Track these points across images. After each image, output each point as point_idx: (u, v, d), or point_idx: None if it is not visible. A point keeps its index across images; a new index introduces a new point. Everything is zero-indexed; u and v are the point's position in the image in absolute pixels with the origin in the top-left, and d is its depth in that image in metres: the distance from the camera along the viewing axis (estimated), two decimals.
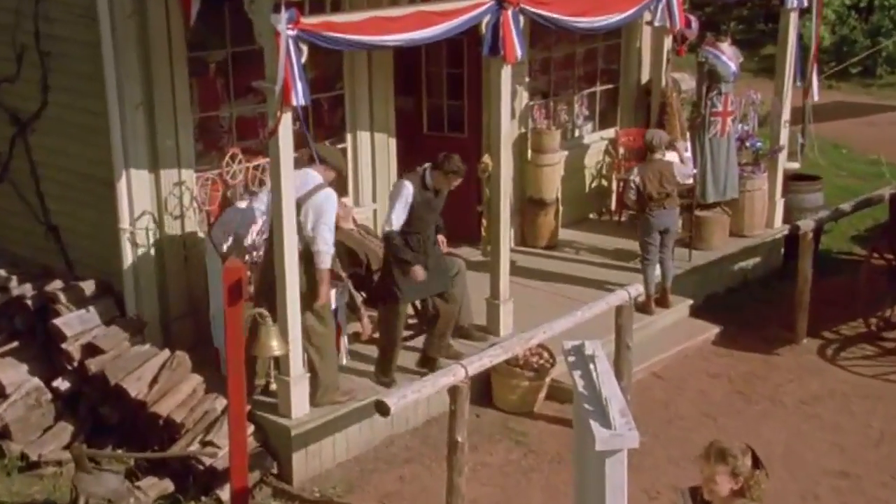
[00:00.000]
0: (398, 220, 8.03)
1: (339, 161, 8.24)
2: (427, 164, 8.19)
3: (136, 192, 8.14)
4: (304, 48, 7.07)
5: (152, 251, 8.33)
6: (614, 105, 11.76)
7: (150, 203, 8.25)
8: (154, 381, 7.76)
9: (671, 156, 9.84)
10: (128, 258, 8.23)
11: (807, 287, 9.74)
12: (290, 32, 6.87)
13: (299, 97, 7.00)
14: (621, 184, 11.17)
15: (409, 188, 8.07)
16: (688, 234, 10.55)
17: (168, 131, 8.24)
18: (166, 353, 8.03)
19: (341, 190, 9.30)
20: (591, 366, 5.45)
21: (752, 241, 11.14)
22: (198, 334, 8.51)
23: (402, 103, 10.08)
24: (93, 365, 7.84)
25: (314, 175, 7.81)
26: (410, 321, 9.06)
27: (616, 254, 10.72)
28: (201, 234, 8.44)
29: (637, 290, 8.31)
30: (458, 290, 8.66)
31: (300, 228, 7.55)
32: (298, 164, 7.61)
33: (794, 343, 9.85)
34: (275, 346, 6.37)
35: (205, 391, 7.89)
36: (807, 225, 9.72)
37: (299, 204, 7.57)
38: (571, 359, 5.72)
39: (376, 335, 8.62)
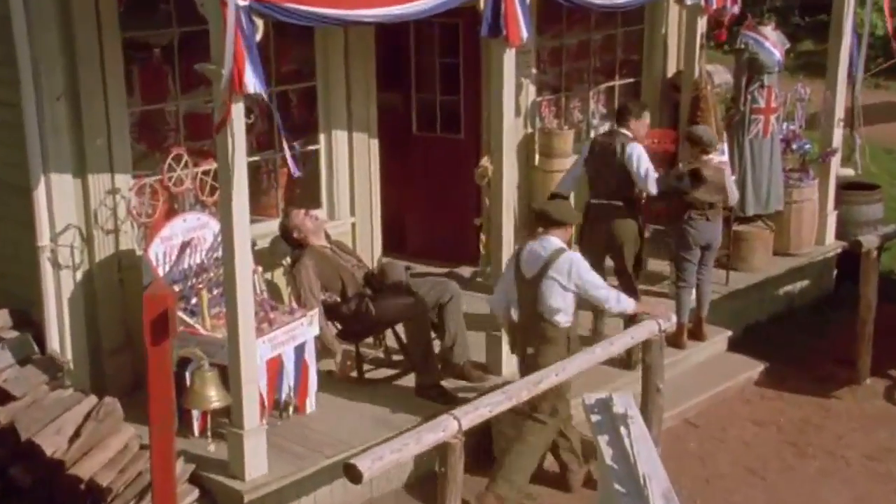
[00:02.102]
0: None
1: (564, 212, 7.58)
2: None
3: (57, 201, 7.60)
4: (259, 23, 6.52)
5: (79, 274, 7.81)
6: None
7: (75, 215, 7.72)
8: (76, 434, 7.16)
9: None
10: (48, 282, 7.66)
11: (870, 315, 9.21)
12: (241, 2, 6.31)
13: (252, 83, 6.42)
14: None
15: None
16: (725, 253, 9.97)
17: (98, 128, 7.71)
18: (93, 399, 7.44)
19: (314, 200, 8.97)
20: (623, 429, 4.49)
21: (799, 260, 10.80)
22: (136, 373, 7.93)
23: (386, 98, 9.79)
24: (1, 415, 7.25)
25: (549, 242, 7.39)
26: (395, 357, 8.57)
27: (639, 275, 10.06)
28: (139, 252, 7.92)
29: (670, 320, 7.62)
30: (452, 320, 8.23)
31: (534, 303, 7.30)
32: None
33: (855, 383, 9.36)
34: (213, 397, 5.50)
35: (140, 446, 7.28)
36: (870, 241, 9.16)
37: (535, 282, 7.29)
38: (596, 418, 4.86)
39: (353, 374, 8.24)
